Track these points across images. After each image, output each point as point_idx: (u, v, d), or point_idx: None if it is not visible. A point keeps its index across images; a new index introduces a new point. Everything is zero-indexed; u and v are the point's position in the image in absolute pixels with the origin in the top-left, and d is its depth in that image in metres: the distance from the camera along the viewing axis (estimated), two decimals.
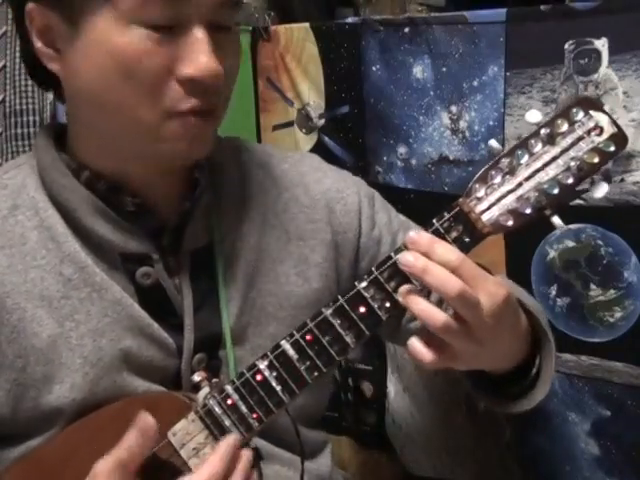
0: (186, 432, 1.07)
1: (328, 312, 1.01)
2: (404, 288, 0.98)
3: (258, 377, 1.05)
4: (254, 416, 1.06)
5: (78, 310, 1.11)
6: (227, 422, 1.06)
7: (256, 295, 1.22)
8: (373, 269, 1.00)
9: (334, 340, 1.01)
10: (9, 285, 1.10)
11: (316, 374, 1.03)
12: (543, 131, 0.98)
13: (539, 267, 1.62)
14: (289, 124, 2.02)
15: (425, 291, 0.98)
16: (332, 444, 1.41)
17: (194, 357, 1.17)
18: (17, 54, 2.12)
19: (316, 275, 1.26)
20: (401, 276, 0.98)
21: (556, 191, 0.97)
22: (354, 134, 1.90)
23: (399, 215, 1.39)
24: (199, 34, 1.01)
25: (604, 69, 1.48)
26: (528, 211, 0.97)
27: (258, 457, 1.13)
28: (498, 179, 0.98)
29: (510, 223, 0.98)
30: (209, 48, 1.02)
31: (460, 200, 0.99)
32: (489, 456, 1.76)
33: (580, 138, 0.97)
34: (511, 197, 0.98)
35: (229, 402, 1.06)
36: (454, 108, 1.71)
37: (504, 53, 1.61)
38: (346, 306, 1.00)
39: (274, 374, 1.04)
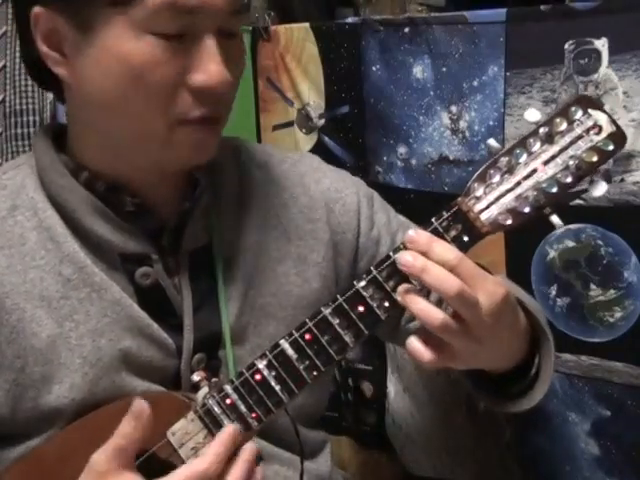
0: (185, 431, 1.07)
1: (327, 311, 1.01)
2: (403, 287, 0.98)
3: (257, 377, 1.05)
4: (253, 416, 1.06)
5: (77, 310, 1.11)
6: (226, 422, 1.06)
7: (255, 295, 1.22)
8: (372, 268, 1.00)
9: (333, 339, 1.01)
10: (8, 285, 1.11)
11: (315, 373, 1.03)
12: (542, 130, 0.98)
13: (539, 267, 1.62)
14: (289, 124, 2.02)
15: (424, 290, 0.98)
16: (332, 444, 1.41)
17: (193, 357, 1.17)
18: (17, 54, 2.12)
19: (315, 275, 1.26)
20: (400, 275, 0.98)
21: (555, 190, 0.97)
22: (354, 134, 1.90)
23: (398, 215, 1.39)
24: (210, 43, 1.03)
25: (604, 69, 1.48)
26: (527, 210, 0.97)
27: (258, 458, 1.13)
28: (497, 178, 0.98)
29: (509, 222, 0.98)
30: (220, 57, 1.03)
31: (459, 199, 0.99)
32: (489, 456, 1.76)
33: (579, 137, 0.97)
34: (510, 196, 0.98)
35: (228, 402, 1.06)
36: (454, 108, 1.71)
37: (504, 53, 1.60)
38: (345, 305, 1.00)
39: (273, 373, 1.04)
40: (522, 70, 1.59)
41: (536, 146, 0.98)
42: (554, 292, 1.61)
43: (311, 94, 1.95)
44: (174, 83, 1.03)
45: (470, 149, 1.69)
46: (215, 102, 1.06)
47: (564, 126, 0.98)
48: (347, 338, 1.01)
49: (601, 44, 1.48)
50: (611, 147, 0.97)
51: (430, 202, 1.74)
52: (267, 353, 1.04)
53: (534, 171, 0.97)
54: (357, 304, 1.00)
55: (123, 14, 0.99)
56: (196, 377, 1.11)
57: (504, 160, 0.98)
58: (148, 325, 1.14)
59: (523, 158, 0.98)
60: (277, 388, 1.04)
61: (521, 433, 1.72)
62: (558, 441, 1.66)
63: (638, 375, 1.53)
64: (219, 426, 1.06)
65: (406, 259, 0.96)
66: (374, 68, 1.81)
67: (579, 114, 0.98)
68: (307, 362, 1.02)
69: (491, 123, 1.65)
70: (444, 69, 1.70)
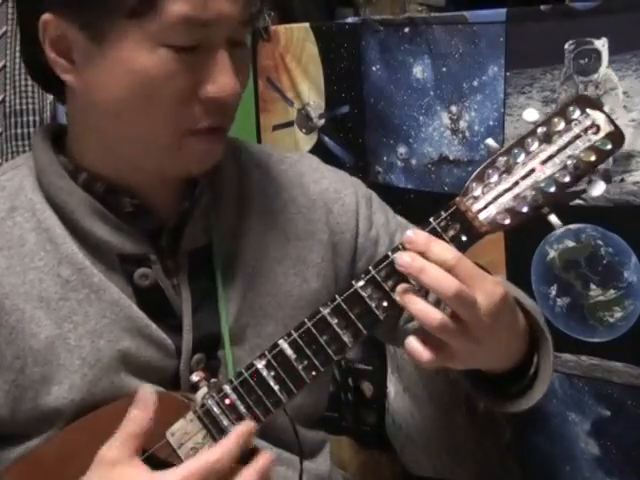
0: (184, 432, 1.07)
1: (326, 311, 1.01)
2: (401, 287, 0.98)
3: (256, 377, 1.05)
4: (252, 416, 1.06)
5: (76, 311, 1.12)
6: (225, 422, 1.06)
7: (255, 295, 1.22)
8: (370, 268, 1.00)
9: (332, 339, 1.01)
10: (8, 286, 1.11)
11: (314, 373, 1.03)
12: (540, 130, 0.98)
13: (539, 267, 1.62)
14: (289, 124, 2.02)
15: (423, 290, 0.98)
16: (332, 444, 1.41)
17: (193, 357, 1.17)
18: (17, 54, 2.12)
19: (314, 275, 1.26)
20: (398, 275, 0.99)
21: (553, 189, 0.97)
22: (354, 134, 1.90)
23: (397, 216, 1.39)
24: (223, 55, 1.03)
25: (604, 69, 1.48)
26: (525, 209, 0.98)
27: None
28: (495, 178, 0.98)
29: (507, 222, 0.98)
30: (231, 68, 1.04)
31: (457, 199, 0.99)
32: (489, 456, 1.76)
33: (577, 136, 0.97)
34: (508, 196, 0.98)
35: (227, 402, 1.06)
36: (454, 108, 1.71)
37: (504, 53, 1.60)
38: (344, 305, 1.01)
39: (272, 373, 1.04)
40: (522, 70, 1.59)
41: (534, 146, 0.98)
42: (554, 292, 1.61)
43: (311, 94, 1.95)
44: (186, 95, 1.04)
45: (470, 149, 1.69)
46: (223, 112, 1.08)
47: (562, 126, 0.98)
48: (346, 338, 1.01)
49: (601, 44, 1.48)
50: (609, 146, 0.97)
51: (430, 202, 1.73)
52: (266, 353, 1.04)
53: (532, 171, 0.98)
54: (356, 304, 1.00)
55: (138, 26, 0.99)
56: (195, 377, 1.11)
57: (502, 160, 0.99)
58: (147, 325, 1.14)
59: (521, 158, 0.98)
60: (276, 388, 1.04)
61: (521, 433, 1.72)
62: (558, 441, 1.66)
63: (638, 375, 1.53)
64: (218, 426, 1.06)
65: (404, 260, 0.96)
66: (374, 68, 1.81)
67: (577, 114, 0.98)
68: (306, 362, 1.03)
69: (491, 123, 1.65)
70: (444, 69, 1.70)
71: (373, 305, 1.00)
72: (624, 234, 1.51)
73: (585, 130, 0.97)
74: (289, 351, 1.03)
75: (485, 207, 0.98)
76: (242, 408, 1.06)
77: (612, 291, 1.54)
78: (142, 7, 0.98)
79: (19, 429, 1.13)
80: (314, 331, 1.02)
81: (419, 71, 1.74)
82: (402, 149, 1.80)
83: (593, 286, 1.56)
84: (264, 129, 2.07)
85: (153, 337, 1.15)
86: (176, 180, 1.17)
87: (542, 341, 1.18)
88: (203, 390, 1.09)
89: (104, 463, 1.01)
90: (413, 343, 0.99)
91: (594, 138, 0.97)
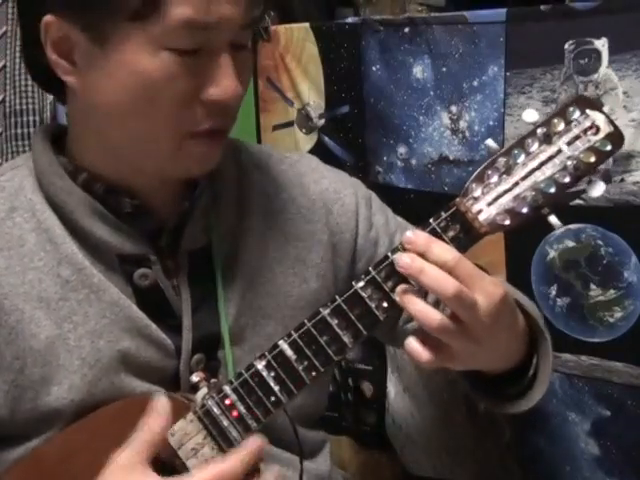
0: (184, 432, 1.07)
1: (326, 312, 1.01)
2: (401, 288, 0.98)
3: (256, 377, 1.05)
4: (252, 416, 1.06)
5: (76, 311, 1.12)
6: (225, 422, 1.06)
7: (254, 295, 1.22)
8: (370, 269, 1.00)
9: (332, 340, 1.01)
10: (7, 287, 1.11)
11: (314, 374, 1.03)
12: (540, 130, 0.98)
13: (539, 267, 1.62)
14: (289, 124, 2.01)
15: (422, 291, 0.98)
16: (332, 444, 1.41)
17: (192, 358, 1.17)
18: (17, 54, 2.12)
19: (314, 275, 1.26)
20: (398, 276, 0.98)
21: (553, 190, 0.97)
22: (354, 134, 1.89)
23: (396, 216, 1.39)
24: (225, 58, 1.03)
25: (604, 69, 1.48)
26: (525, 210, 0.98)
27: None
28: (495, 178, 0.98)
29: (507, 222, 0.98)
30: (233, 71, 1.04)
31: (457, 200, 0.99)
32: (489, 456, 1.76)
33: (576, 137, 0.97)
34: (508, 196, 0.98)
35: (227, 402, 1.06)
36: (454, 108, 1.71)
37: (504, 53, 1.60)
38: (344, 306, 1.01)
39: (272, 374, 1.04)
40: (522, 70, 1.59)
41: (534, 146, 0.98)
42: (554, 292, 1.61)
43: (311, 94, 1.95)
44: (187, 98, 1.04)
45: (470, 149, 1.69)
46: (225, 114, 1.08)
47: (562, 126, 0.98)
48: (346, 339, 1.01)
49: (601, 44, 1.47)
50: (609, 147, 0.97)
51: (430, 202, 1.74)
52: (266, 354, 1.04)
53: (532, 171, 0.97)
54: (356, 305, 1.00)
55: (140, 29, 0.99)
56: (195, 378, 1.11)
57: (502, 160, 0.98)
58: (147, 326, 1.14)
59: (521, 158, 0.98)
60: (276, 389, 1.04)
61: (521, 433, 1.71)
62: (558, 441, 1.66)
63: (638, 375, 1.53)
64: (218, 427, 1.06)
65: (404, 261, 0.96)
66: (374, 68, 1.81)
67: (577, 114, 0.98)
68: (306, 363, 1.03)
69: (491, 123, 1.65)
70: (444, 69, 1.70)
71: (373, 306, 1.00)
72: (624, 234, 1.51)
73: (585, 131, 0.97)
74: (289, 352, 1.03)
75: (485, 208, 0.98)
76: (242, 408, 1.06)
77: (612, 291, 1.54)
78: (145, 10, 0.98)
79: (19, 430, 1.13)
80: (314, 332, 1.02)
81: (419, 71, 1.74)
82: (402, 149, 1.80)
83: (593, 286, 1.56)
84: (264, 129, 2.07)
85: (153, 337, 1.15)
86: (176, 181, 1.17)
87: (541, 342, 1.18)
88: (203, 391, 1.09)
89: (117, 468, 1.01)
90: (413, 343, 0.99)
91: (594, 139, 0.97)
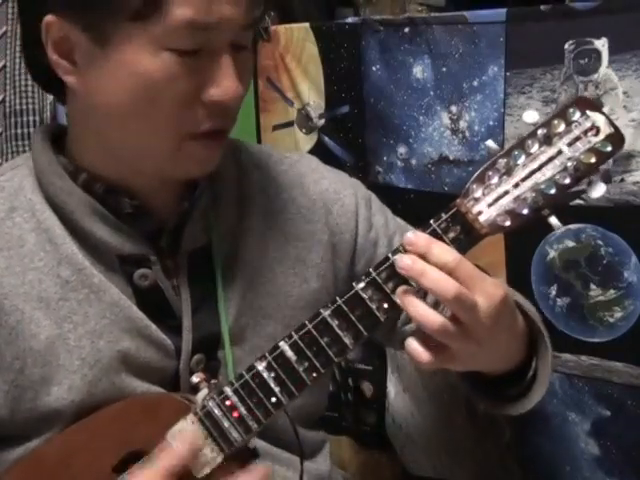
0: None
1: (326, 313, 1.01)
2: (401, 289, 0.98)
3: (257, 378, 1.05)
4: (253, 417, 1.06)
5: (76, 312, 1.12)
6: (226, 424, 1.06)
7: (254, 295, 1.22)
8: (371, 270, 1.00)
9: (332, 341, 1.01)
10: (7, 287, 1.11)
11: (315, 375, 1.03)
12: (540, 131, 0.98)
13: (539, 267, 1.62)
14: (289, 124, 2.02)
15: (422, 291, 0.98)
16: (332, 444, 1.41)
17: (192, 358, 1.17)
18: (17, 54, 2.12)
19: (314, 275, 1.26)
20: (399, 277, 0.98)
21: (553, 191, 0.97)
22: (354, 134, 1.90)
23: (396, 218, 1.39)
24: (226, 58, 1.03)
25: (604, 69, 1.48)
26: (525, 211, 0.97)
27: (254, 456, 1.14)
28: (495, 180, 0.98)
29: (507, 224, 0.98)
30: (234, 71, 1.04)
31: (457, 201, 0.99)
32: (489, 456, 1.76)
33: (577, 138, 0.97)
34: (508, 197, 0.97)
35: (228, 403, 1.06)
36: (454, 108, 1.71)
37: (504, 53, 1.60)
38: (344, 307, 1.00)
39: (273, 375, 1.04)
40: (522, 70, 1.59)
41: (534, 147, 0.97)
42: (554, 292, 1.61)
43: (311, 94, 1.95)
44: (188, 98, 1.04)
45: (470, 149, 1.69)
46: (225, 115, 1.08)
47: (562, 127, 0.97)
48: (346, 340, 1.01)
49: (601, 44, 1.48)
50: (609, 148, 0.97)
51: (430, 202, 1.74)
52: (267, 355, 1.04)
53: (532, 172, 0.97)
54: (356, 306, 1.00)
55: (141, 30, 0.99)
56: (195, 379, 1.11)
57: (502, 162, 0.98)
58: (147, 326, 1.14)
59: (521, 160, 0.98)
60: (277, 390, 1.04)
61: (521, 433, 1.72)
62: (558, 441, 1.66)
63: (638, 375, 1.53)
64: (219, 428, 1.06)
65: (404, 262, 0.96)
66: (374, 68, 1.81)
67: (577, 115, 0.97)
68: (306, 364, 1.02)
69: (491, 123, 1.65)
70: (444, 69, 1.70)
71: (374, 307, 0.99)
72: (624, 234, 1.51)
73: (585, 132, 0.97)
74: (290, 353, 1.03)
75: (485, 209, 0.98)
76: (243, 410, 1.06)
77: (612, 291, 1.54)
78: (146, 10, 0.98)
79: (18, 430, 1.13)
80: (315, 333, 1.01)
81: (419, 71, 1.74)
82: (402, 149, 1.80)
83: (593, 286, 1.56)
84: (264, 129, 2.07)
85: (153, 338, 1.15)
86: (176, 181, 1.17)
87: (540, 343, 1.18)
88: (204, 392, 1.09)
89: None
90: (413, 344, 0.98)
91: (594, 140, 0.97)
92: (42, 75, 1.14)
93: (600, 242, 1.53)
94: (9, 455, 1.14)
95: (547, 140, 0.97)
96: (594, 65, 1.49)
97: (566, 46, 1.51)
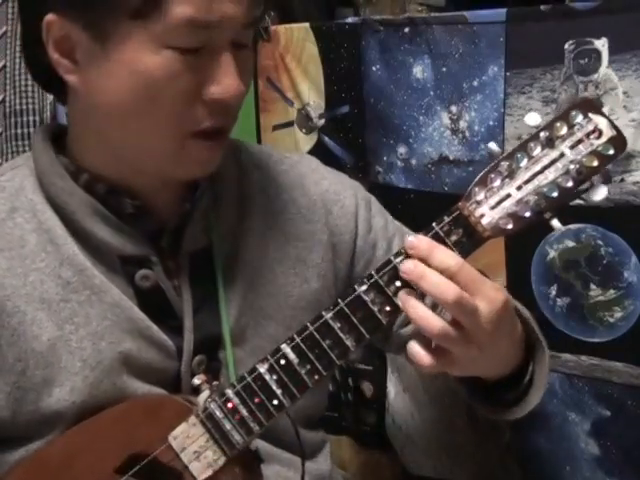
0: (187, 436, 1.07)
1: (328, 315, 1.01)
2: (402, 292, 0.98)
3: (258, 381, 1.05)
4: (255, 420, 1.06)
5: (77, 313, 1.11)
6: (228, 426, 1.06)
7: (255, 296, 1.22)
8: (373, 273, 1.00)
9: (334, 344, 1.01)
10: (9, 288, 1.10)
11: (316, 377, 1.03)
12: (542, 134, 0.98)
13: (539, 267, 1.62)
14: (289, 124, 2.02)
15: (422, 294, 0.98)
16: (332, 444, 1.41)
17: (194, 359, 1.17)
18: (17, 54, 2.12)
19: (314, 276, 1.26)
20: (401, 280, 0.98)
21: (555, 194, 0.97)
22: (354, 134, 1.90)
23: (395, 221, 1.38)
24: (226, 56, 1.03)
25: (604, 69, 1.48)
26: (527, 214, 0.97)
27: (258, 459, 1.14)
28: (497, 182, 0.98)
29: (510, 226, 0.98)
30: (235, 69, 1.04)
31: (460, 204, 0.99)
32: (489, 456, 1.76)
33: (579, 141, 0.97)
34: (510, 200, 0.98)
35: (230, 405, 1.06)
36: (454, 108, 1.71)
37: (504, 53, 1.61)
38: (346, 309, 1.00)
39: (274, 377, 1.04)
40: (522, 70, 1.59)
41: (537, 150, 0.98)
42: (554, 292, 1.61)
43: (311, 94, 1.95)
44: (189, 97, 1.03)
45: (470, 149, 1.69)
46: (226, 113, 1.07)
47: (564, 130, 0.97)
48: (348, 342, 1.01)
49: (601, 44, 1.48)
50: (611, 151, 0.97)
51: (430, 202, 1.74)
52: (268, 357, 1.04)
53: (535, 175, 0.97)
54: (358, 308, 1.00)
55: (142, 28, 0.99)
56: (197, 380, 1.11)
57: (505, 164, 0.98)
58: (148, 327, 1.14)
59: (524, 162, 0.98)
60: (279, 392, 1.04)
61: (521, 433, 1.72)
62: (558, 441, 1.66)
63: (638, 375, 1.53)
64: (221, 430, 1.07)
65: (406, 266, 0.96)
66: (374, 68, 1.81)
67: (579, 118, 0.97)
68: (308, 366, 1.02)
69: (491, 123, 1.65)
70: (444, 69, 1.70)
71: (376, 309, 0.99)
72: (624, 234, 1.51)
73: (587, 135, 0.97)
74: (292, 355, 1.03)
75: (488, 212, 0.98)
76: (245, 412, 1.06)
77: (612, 291, 1.54)
78: (146, 8, 0.98)
79: (20, 431, 1.13)
80: (317, 335, 1.01)
81: (419, 71, 1.74)
82: (402, 149, 1.80)
83: (593, 286, 1.56)
84: (264, 129, 2.07)
85: (154, 338, 1.15)
86: (177, 182, 1.17)
87: (538, 349, 1.18)
88: (205, 393, 1.09)
89: None
90: (415, 347, 0.98)
91: (596, 143, 0.97)
92: (42, 75, 1.14)
93: (600, 242, 1.53)
94: (10, 456, 1.14)
95: (549, 143, 0.97)
96: (594, 65, 1.49)
97: (566, 46, 1.51)
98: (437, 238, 0.98)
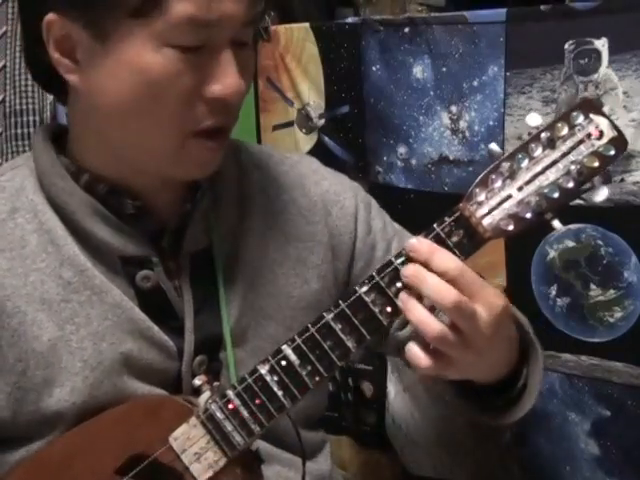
0: (187, 437, 1.07)
1: (329, 317, 1.01)
2: (403, 295, 0.98)
3: (259, 382, 1.05)
4: (256, 421, 1.06)
5: (78, 313, 1.11)
6: (229, 427, 1.06)
7: (255, 296, 1.22)
8: (374, 274, 1.00)
9: (335, 345, 1.01)
10: (9, 288, 1.10)
11: (317, 379, 1.03)
12: (543, 135, 0.98)
13: (539, 267, 1.62)
14: (289, 124, 2.02)
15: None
16: (332, 444, 1.41)
17: (195, 359, 1.17)
18: (17, 54, 2.12)
19: (314, 276, 1.26)
20: (402, 281, 0.98)
21: (556, 195, 0.96)
22: (354, 134, 1.90)
23: (393, 223, 1.38)
24: (227, 55, 1.03)
25: (604, 69, 1.48)
26: (528, 215, 0.97)
27: (259, 460, 1.14)
28: (499, 183, 0.98)
29: (511, 227, 0.97)
30: (235, 68, 1.03)
31: (461, 205, 0.99)
32: (489, 456, 1.76)
33: (580, 142, 0.97)
34: (511, 201, 0.97)
35: (231, 407, 1.06)
36: (454, 108, 1.71)
37: (504, 53, 1.61)
38: (347, 311, 1.00)
39: (275, 379, 1.04)
40: (522, 70, 1.59)
41: (538, 151, 0.97)
42: (554, 292, 1.61)
43: (311, 94, 1.95)
44: (190, 95, 1.03)
45: (470, 149, 1.69)
46: (227, 112, 1.07)
47: (565, 131, 0.97)
48: (349, 343, 1.01)
49: (601, 44, 1.48)
50: (612, 152, 0.97)
51: (430, 202, 1.74)
52: (269, 358, 1.04)
53: (536, 176, 0.97)
54: (359, 309, 1.00)
55: (143, 26, 0.99)
56: (198, 381, 1.11)
57: (506, 165, 0.98)
58: (149, 328, 1.14)
59: (525, 163, 0.97)
60: (279, 393, 1.04)
61: (521, 433, 1.72)
62: (558, 441, 1.66)
63: (638, 375, 1.53)
64: (222, 432, 1.07)
65: (407, 270, 0.96)
66: (374, 68, 1.81)
67: (580, 119, 0.97)
68: (309, 367, 1.02)
69: (491, 123, 1.66)
70: (444, 69, 1.70)
71: (377, 311, 0.99)
72: (624, 234, 1.51)
73: (588, 135, 0.97)
74: (293, 357, 1.03)
75: (489, 213, 0.97)
76: (245, 413, 1.05)
77: (612, 291, 1.54)
78: (146, 6, 0.98)
79: (20, 432, 1.13)
80: (318, 336, 1.01)
81: (419, 71, 1.74)
82: (402, 149, 1.80)
83: (593, 286, 1.56)
84: (264, 129, 2.07)
85: (155, 339, 1.14)
86: (178, 182, 1.17)
87: (532, 354, 1.17)
88: (206, 394, 1.09)
89: None
90: (414, 349, 0.98)
91: (597, 143, 0.96)
92: (42, 74, 1.14)
93: (600, 242, 1.53)
94: (11, 457, 1.14)
95: (550, 143, 0.97)
96: (594, 65, 1.49)
97: (566, 46, 1.52)
98: (438, 239, 0.98)
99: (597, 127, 0.97)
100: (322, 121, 1.95)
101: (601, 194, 0.97)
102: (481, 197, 0.98)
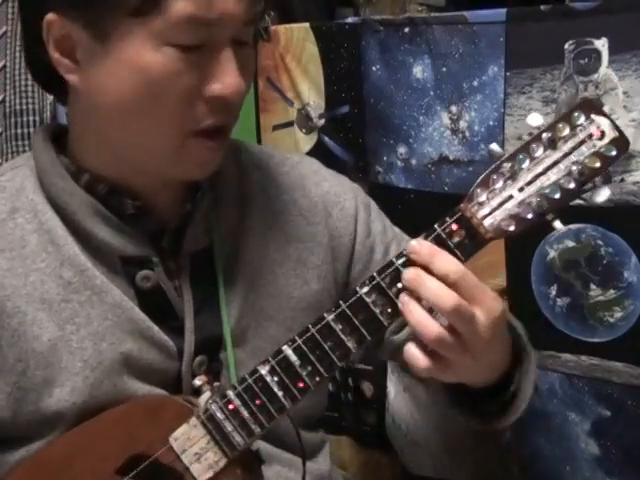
0: (188, 437, 1.07)
1: (330, 317, 1.01)
2: (402, 296, 0.98)
3: (260, 382, 1.04)
4: (256, 421, 1.06)
5: (78, 313, 1.11)
6: (229, 427, 1.06)
7: (256, 297, 1.22)
8: (375, 274, 1.00)
9: (336, 345, 1.01)
10: (9, 288, 1.10)
11: (318, 379, 1.03)
12: (544, 135, 0.97)
13: (539, 267, 1.62)
14: (289, 124, 2.02)
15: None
16: (332, 444, 1.41)
17: (195, 359, 1.17)
18: (17, 54, 2.12)
19: (315, 277, 1.26)
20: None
21: (557, 196, 0.96)
22: (354, 134, 1.90)
23: (393, 226, 1.38)
24: (227, 54, 1.03)
25: (604, 69, 1.48)
26: (530, 216, 0.97)
27: (259, 460, 1.14)
28: (500, 184, 0.98)
29: (512, 228, 0.97)
30: (236, 67, 1.03)
31: (462, 205, 0.99)
32: (489, 456, 1.76)
33: (581, 142, 0.97)
34: (513, 202, 0.97)
35: (231, 407, 1.06)
36: (454, 108, 1.71)
37: (504, 53, 1.61)
38: (348, 311, 1.00)
39: (276, 379, 1.04)
40: (522, 70, 1.59)
41: (539, 151, 0.97)
42: (554, 292, 1.61)
43: (311, 94, 1.95)
44: (190, 94, 1.03)
45: (470, 149, 1.69)
46: (227, 111, 1.07)
47: (567, 131, 0.97)
48: (350, 344, 1.00)
49: (601, 44, 1.48)
50: (614, 152, 0.97)
51: (430, 202, 1.74)
52: (270, 359, 1.04)
53: (537, 177, 0.97)
54: (360, 310, 1.00)
55: (143, 25, 0.99)
56: (198, 381, 1.11)
57: (507, 166, 0.98)
58: (149, 328, 1.14)
59: (526, 164, 0.97)
60: (280, 394, 1.04)
61: (521, 433, 1.72)
62: (558, 441, 1.66)
63: (638, 375, 1.53)
64: (222, 432, 1.06)
65: (408, 273, 0.96)
66: (374, 68, 1.81)
67: (582, 119, 0.97)
68: (310, 368, 1.02)
69: (491, 123, 1.66)
70: (444, 69, 1.70)
71: (377, 311, 0.99)
72: (624, 234, 1.51)
73: (590, 136, 0.96)
74: (293, 357, 1.02)
75: (490, 213, 0.97)
76: (246, 414, 1.05)
77: (612, 291, 1.54)
78: (146, 6, 0.98)
79: (20, 432, 1.13)
80: (318, 337, 1.01)
81: (419, 71, 1.74)
82: (402, 149, 1.80)
83: (593, 286, 1.56)
84: (264, 129, 2.07)
85: (155, 339, 1.14)
86: (178, 182, 1.17)
87: (524, 359, 1.16)
88: (206, 395, 1.09)
89: None
90: (412, 350, 0.98)
91: (599, 144, 0.96)
92: (42, 74, 1.14)
93: (600, 242, 1.53)
94: (11, 457, 1.14)
95: (552, 144, 0.97)
96: (594, 65, 1.49)
97: (566, 46, 1.52)
98: (439, 240, 0.98)
99: (599, 127, 0.97)
100: (322, 121, 1.95)
101: (602, 194, 0.97)
102: (482, 198, 0.98)
